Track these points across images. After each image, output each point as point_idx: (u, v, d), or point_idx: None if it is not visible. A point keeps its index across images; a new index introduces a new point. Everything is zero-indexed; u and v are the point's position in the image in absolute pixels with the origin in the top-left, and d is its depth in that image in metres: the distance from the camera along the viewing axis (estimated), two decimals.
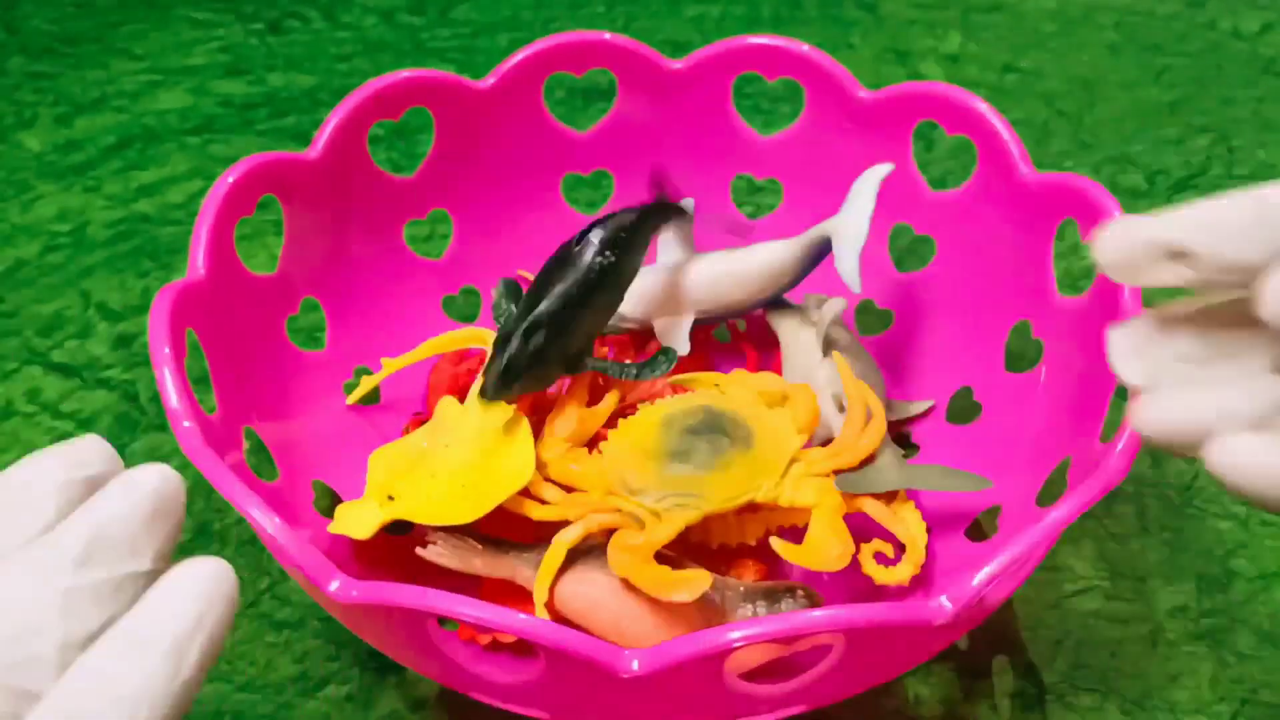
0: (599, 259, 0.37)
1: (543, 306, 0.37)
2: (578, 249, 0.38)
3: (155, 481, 0.21)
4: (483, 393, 0.37)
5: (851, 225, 0.42)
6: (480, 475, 0.37)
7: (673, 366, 0.39)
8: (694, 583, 0.33)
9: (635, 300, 0.45)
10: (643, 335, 0.46)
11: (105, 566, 0.20)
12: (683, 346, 0.44)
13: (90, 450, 0.23)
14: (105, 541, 0.20)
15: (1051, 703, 0.37)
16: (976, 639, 0.39)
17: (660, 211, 0.42)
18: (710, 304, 0.44)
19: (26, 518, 0.21)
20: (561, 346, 0.37)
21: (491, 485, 0.36)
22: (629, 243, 0.39)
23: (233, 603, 0.21)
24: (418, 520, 0.35)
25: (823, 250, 0.43)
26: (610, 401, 0.40)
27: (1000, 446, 0.40)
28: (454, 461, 0.37)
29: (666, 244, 0.46)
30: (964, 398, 0.43)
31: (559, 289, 0.37)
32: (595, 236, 0.38)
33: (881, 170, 0.42)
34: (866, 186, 0.42)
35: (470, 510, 0.35)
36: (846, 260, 0.42)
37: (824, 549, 0.34)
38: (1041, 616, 0.40)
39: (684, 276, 0.44)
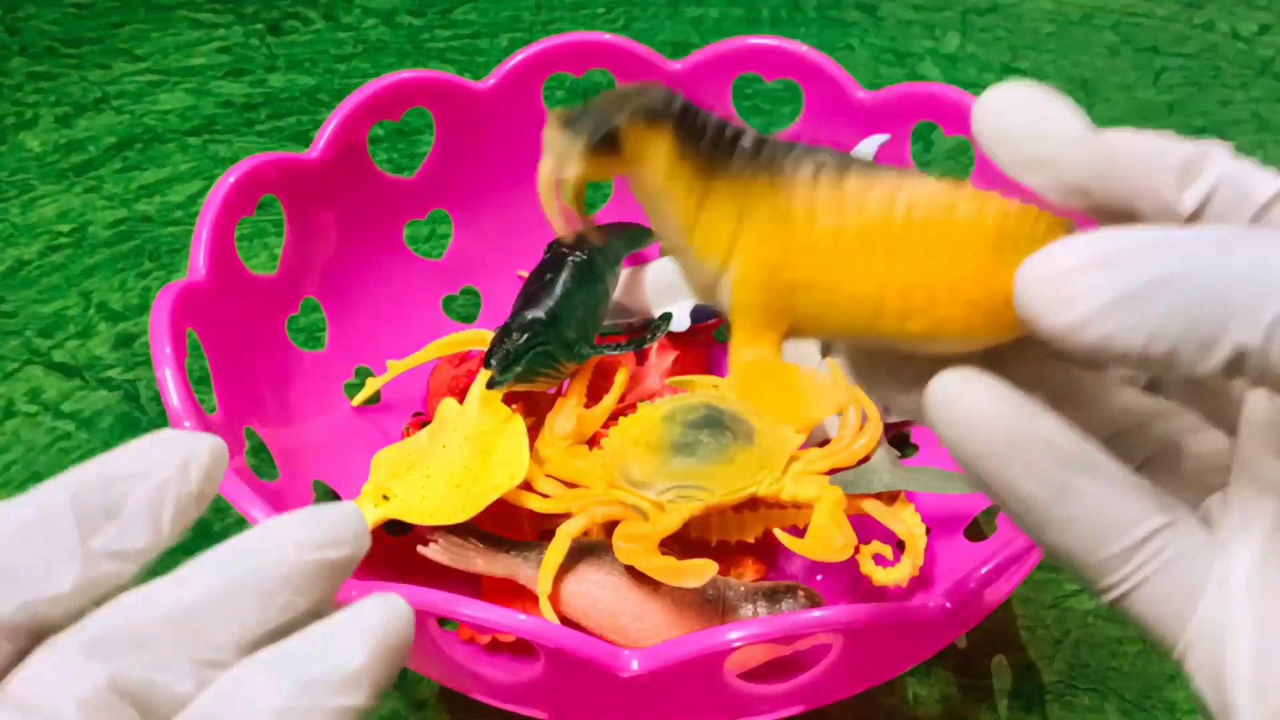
0: (572, 258, 0.41)
1: (536, 299, 0.39)
2: (552, 255, 0.42)
3: (383, 618, 0.18)
4: (489, 383, 0.38)
5: None
6: (474, 476, 0.37)
7: (667, 329, 0.42)
8: (701, 569, 0.33)
9: (637, 292, 0.45)
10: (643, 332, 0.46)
11: (325, 698, 0.17)
12: (681, 324, 0.44)
13: (343, 527, 0.19)
14: (325, 684, 0.17)
15: (1050, 703, 0.37)
16: (976, 639, 0.39)
17: (620, 225, 0.46)
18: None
19: (247, 608, 0.18)
20: (558, 333, 0.39)
21: (484, 486, 0.36)
22: (598, 246, 0.42)
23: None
24: (410, 520, 0.36)
25: None
26: (609, 401, 0.40)
27: None
28: (449, 462, 0.37)
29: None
30: None
31: (548, 283, 0.40)
32: (564, 244, 0.42)
33: (878, 139, 0.42)
34: (863, 154, 0.42)
35: (461, 510, 0.35)
36: None
37: (827, 539, 0.34)
38: (1041, 616, 0.40)
39: None
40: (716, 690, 0.31)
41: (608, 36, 0.46)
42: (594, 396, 0.41)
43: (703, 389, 0.40)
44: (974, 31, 0.65)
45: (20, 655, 0.17)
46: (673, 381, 0.41)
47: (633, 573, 0.35)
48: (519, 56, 0.45)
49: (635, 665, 0.28)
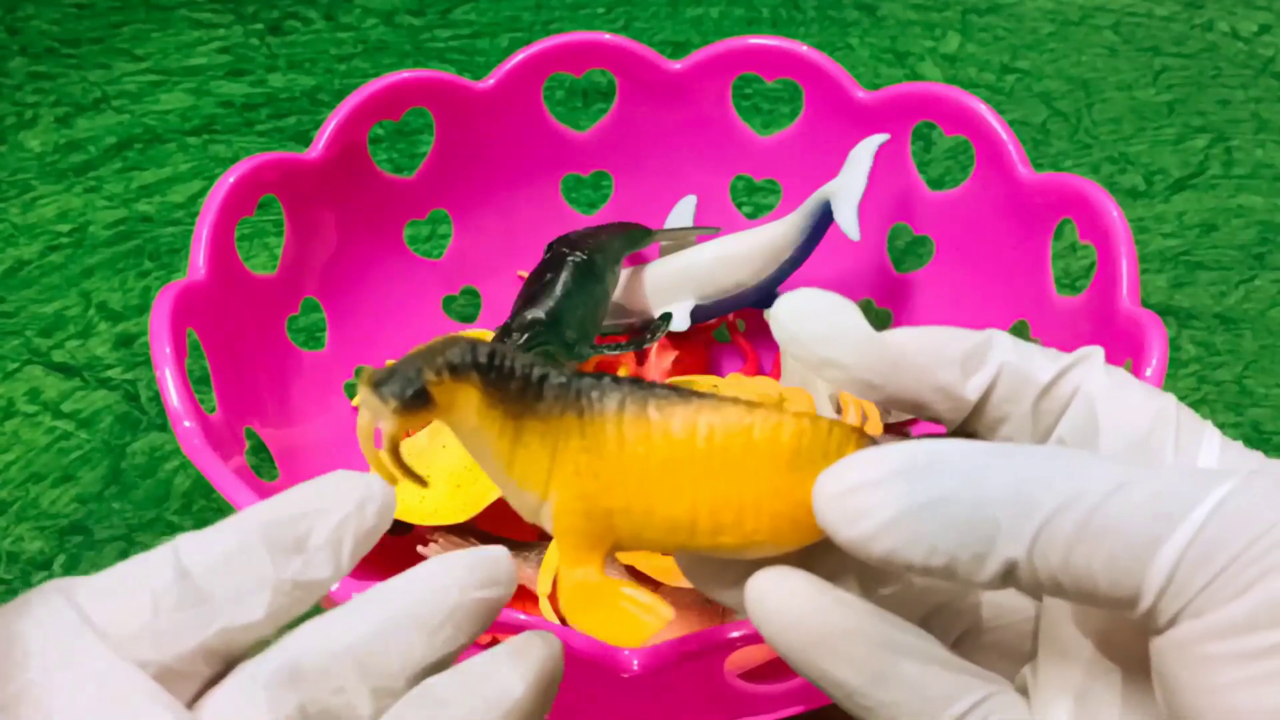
0: (572, 258, 0.41)
1: (536, 299, 0.40)
2: (552, 255, 0.42)
3: (541, 653, 0.20)
4: None
5: (849, 183, 0.42)
6: (474, 476, 0.37)
7: (667, 329, 0.42)
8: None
9: (637, 292, 0.45)
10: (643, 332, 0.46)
11: None
12: (681, 324, 0.44)
13: (499, 570, 0.21)
14: (490, 714, 0.19)
15: None
16: None
17: (620, 225, 0.46)
18: (712, 287, 0.44)
19: (416, 641, 0.19)
20: (558, 333, 0.39)
21: (484, 486, 0.36)
22: (596, 245, 0.42)
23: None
24: (411, 520, 0.36)
25: (823, 218, 0.43)
26: None
27: None
28: (449, 462, 0.37)
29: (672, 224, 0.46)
30: None
31: (547, 284, 0.40)
32: (565, 244, 0.42)
33: (878, 139, 0.42)
34: (863, 152, 0.42)
35: (461, 510, 0.35)
36: (844, 211, 0.41)
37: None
38: None
39: (684, 263, 0.44)
40: (716, 690, 0.31)
41: (608, 36, 0.46)
42: None
43: (703, 389, 0.40)
44: (974, 31, 0.65)
45: (213, 680, 0.18)
46: (672, 382, 0.41)
47: (632, 572, 0.35)
48: (519, 56, 0.45)
49: (635, 665, 0.28)
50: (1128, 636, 0.19)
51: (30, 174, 0.56)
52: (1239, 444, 0.20)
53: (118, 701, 0.17)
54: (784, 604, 0.19)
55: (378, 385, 0.19)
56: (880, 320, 0.47)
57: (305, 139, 0.42)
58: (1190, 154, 0.57)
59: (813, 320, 0.22)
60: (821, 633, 0.19)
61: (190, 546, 0.19)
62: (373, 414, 0.19)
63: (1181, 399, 0.47)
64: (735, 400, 0.20)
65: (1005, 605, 0.22)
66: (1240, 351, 0.49)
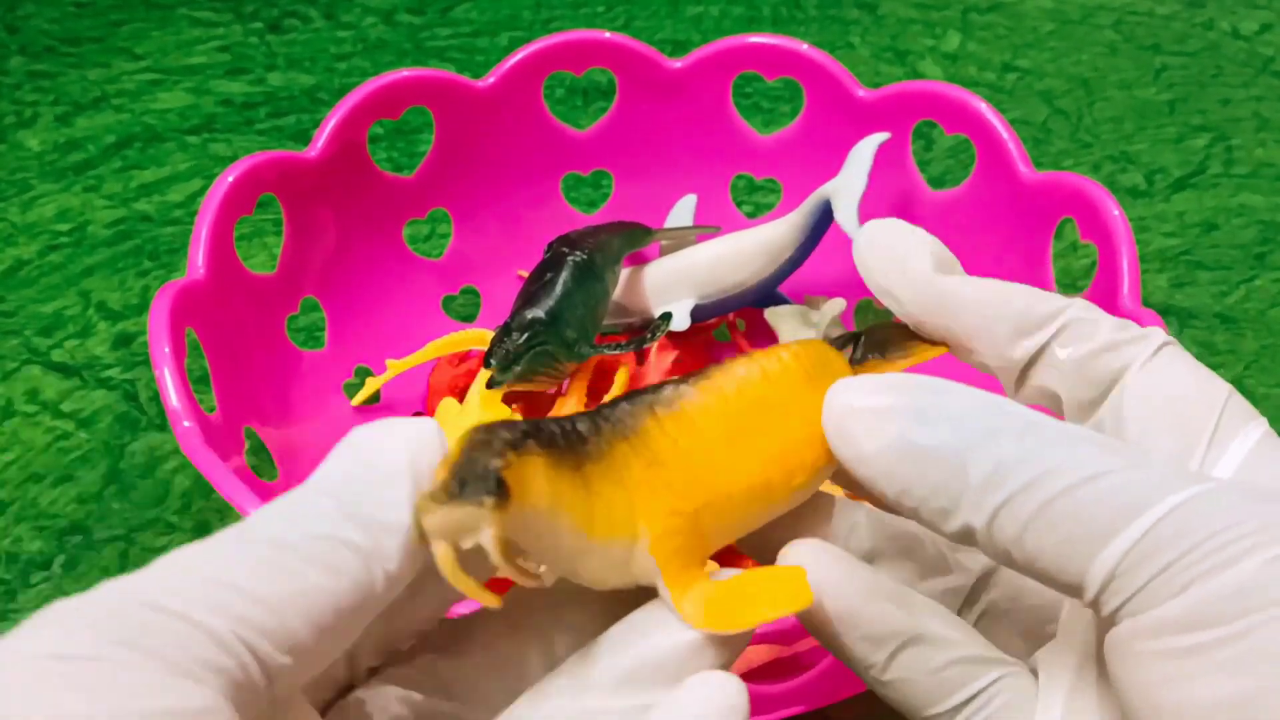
0: (572, 258, 0.41)
1: (536, 299, 0.40)
2: (552, 255, 0.42)
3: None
4: (489, 383, 0.38)
5: (849, 182, 0.42)
6: None
7: (667, 329, 0.42)
8: None
9: (637, 292, 0.45)
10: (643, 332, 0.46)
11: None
12: (681, 323, 0.44)
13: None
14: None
15: None
16: None
17: (620, 225, 0.46)
18: (712, 287, 0.44)
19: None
20: (558, 333, 0.39)
21: None
22: (596, 244, 0.42)
23: None
24: None
25: (823, 217, 0.42)
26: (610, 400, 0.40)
27: None
28: None
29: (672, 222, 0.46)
30: None
31: (547, 283, 0.40)
32: (565, 243, 0.42)
33: (878, 138, 0.42)
34: (864, 151, 0.42)
35: None
36: (845, 211, 0.41)
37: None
38: None
39: (684, 262, 0.44)
40: None
41: (608, 35, 0.46)
42: (594, 396, 0.41)
43: None
44: (974, 30, 0.65)
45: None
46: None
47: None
48: (519, 55, 0.45)
49: None
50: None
51: (29, 173, 0.56)
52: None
53: None
54: (817, 576, 0.20)
55: (457, 496, 0.16)
56: (881, 320, 0.47)
57: (305, 138, 0.42)
58: (1191, 153, 0.57)
59: (880, 251, 0.22)
60: (848, 607, 0.20)
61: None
62: (466, 529, 0.16)
63: None
64: (729, 361, 0.20)
65: (1029, 585, 0.22)
66: (1241, 351, 0.49)
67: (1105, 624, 0.17)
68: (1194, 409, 0.20)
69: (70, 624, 0.14)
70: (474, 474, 0.16)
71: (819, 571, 0.20)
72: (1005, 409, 0.18)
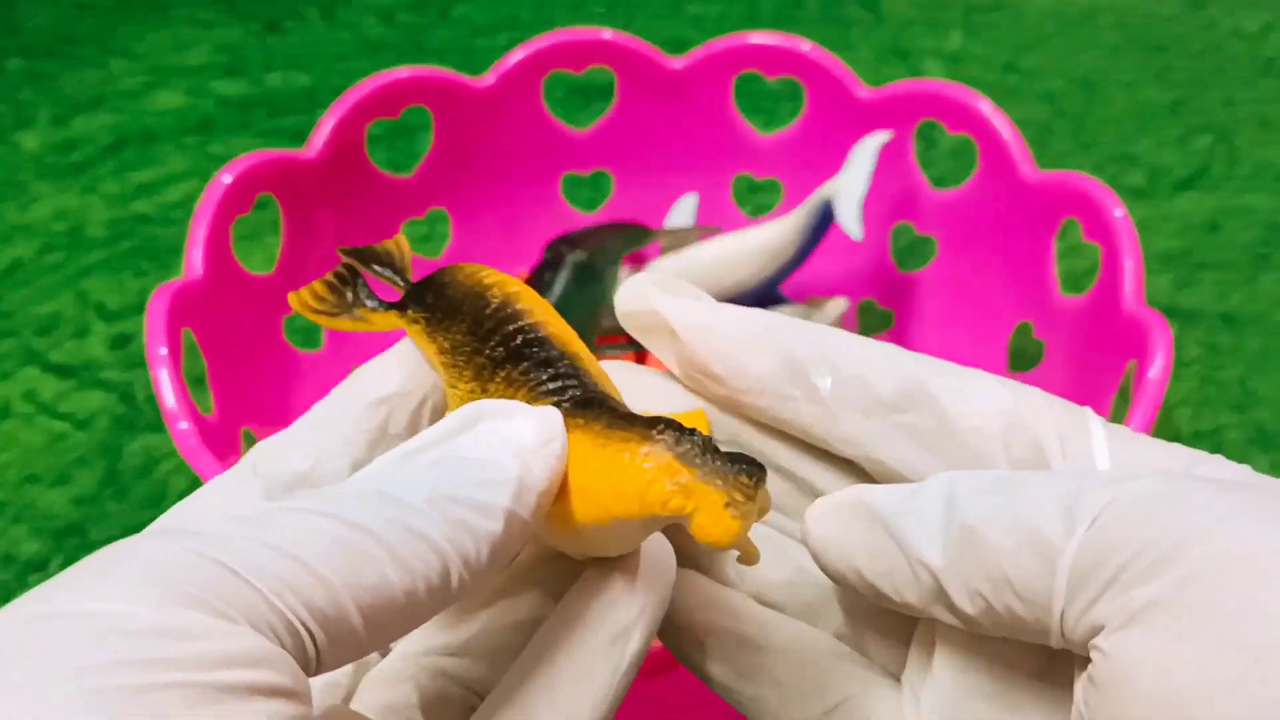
0: (572, 258, 0.41)
1: None
2: (552, 255, 0.42)
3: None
4: None
5: (851, 181, 0.41)
6: None
7: None
8: None
9: None
10: None
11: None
12: None
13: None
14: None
15: None
16: None
17: (620, 225, 0.46)
18: (713, 287, 0.44)
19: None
20: None
21: None
22: (596, 244, 0.42)
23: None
24: None
25: (824, 217, 0.42)
26: None
27: None
28: None
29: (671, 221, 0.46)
30: None
31: (547, 284, 0.40)
32: (565, 243, 0.42)
33: (880, 137, 0.42)
34: (865, 151, 0.42)
35: None
36: (846, 211, 0.41)
37: None
38: None
39: (685, 262, 0.44)
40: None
41: (608, 34, 0.45)
42: None
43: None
44: (977, 30, 0.64)
45: None
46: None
47: None
48: (518, 54, 0.45)
49: None
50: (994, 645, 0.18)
51: (27, 173, 0.56)
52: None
53: None
54: (679, 599, 0.19)
55: (762, 481, 0.17)
56: (882, 320, 0.47)
57: (303, 138, 0.42)
58: (1193, 153, 0.57)
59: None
60: (702, 628, 0.19)
61: None
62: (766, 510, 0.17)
63: (1184, 399, 0.47)
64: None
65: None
66: (1243, 352, 0.48)
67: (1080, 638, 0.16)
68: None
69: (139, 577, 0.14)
70: (708, 442, 0.17)
71: (685, 593, 0.20)
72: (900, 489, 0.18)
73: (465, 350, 0.21)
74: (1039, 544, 0.16)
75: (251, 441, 0.37)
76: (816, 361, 0.19)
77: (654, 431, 0.17)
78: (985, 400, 0.19)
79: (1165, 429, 0.46)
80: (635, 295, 0.22)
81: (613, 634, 0.18)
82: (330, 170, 0.42)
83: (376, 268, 0.23)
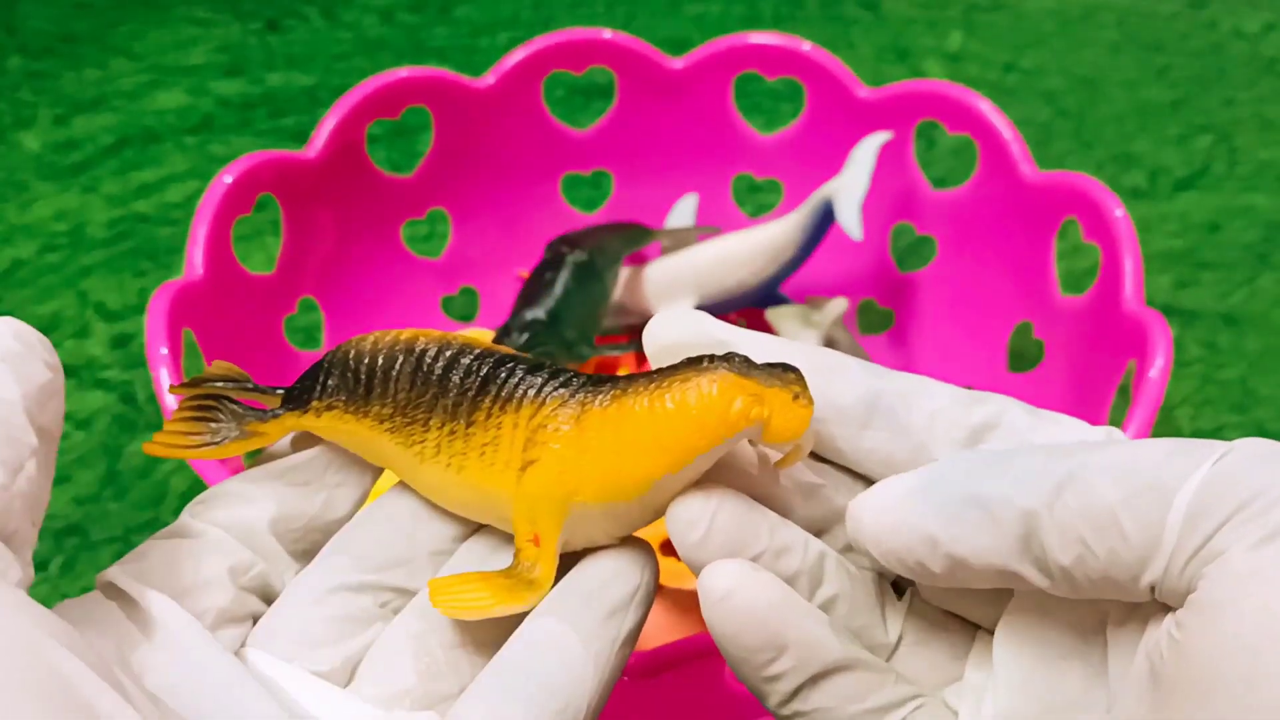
0: (572, 258, 0.41)
1: (536, 299, 0.40)
2: (552, 255, 0.42)
3: None
4: None
5: (851, 182, 0.41)
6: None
7: None
8: None
9: (637, 292, 0.44)
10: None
11: None
12: None
13: None
14: None
15: None
16: None
17: (620, 225, 0.46)
18: (713, 287, 0.44)
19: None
20: (558, 333, 0.39)
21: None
22: (596, 244, 0.42)
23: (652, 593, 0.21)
24: None
25: (825, 217, 0.42)
26: None
27: None
28: None
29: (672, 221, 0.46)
30: None
31: (547, 284, 0.40)
32: (565, 243, 0.42)
33: (880, 137, 0.42)
34: (865, 151, 0.42)
35: None
36: (847, 211, 0.41)
37: None
38: None
39: (685, 263, 0.44)
40: (717, 691, 0.31)
41: (608, 34, 0.45)
42: None
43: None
44: (977, 29, 0.64)
45: None
46: None
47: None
48: (518, 54, 0.45)
49: (635, 665, 0.28)
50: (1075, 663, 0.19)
51: (28, 173, 0.56)
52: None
53: None
54: (740, 601, 0.19)
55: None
56: (883, 320, 0.47)
57: (303, 138, 0.42)
58: (1194, 153, 0.57)
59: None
60: (774, 637, 0.19)
61: None
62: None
63: (1184, 399, 0.47)
64: (660, 381, 0.20)
65: (943, 619, 0.21)
66: (1244, 351, 0.48)
67: (1172, 591, 0.17)
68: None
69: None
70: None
71: (747, 595, 0.19)
72: (994, 455, 0.19)
73: (421, 404, 0.21)
74: (1153, 484, 0.17)
75: None
76: (900, 395, 0.20)
77: (703, 364, 0.19)
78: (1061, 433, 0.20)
79: (1166, 428, 0.46)
80: (685, 326, 0.22)
81: (611, 608, 0.20)
82: (330, 170, 0.42)
83: (220, 384, 0.23)
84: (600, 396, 0.20)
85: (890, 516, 0.19)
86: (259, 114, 0.59)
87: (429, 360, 0.21)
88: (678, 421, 0.19)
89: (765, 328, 0.46)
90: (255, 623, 0.21)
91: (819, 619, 0.20)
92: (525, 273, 0.44)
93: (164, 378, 0.33)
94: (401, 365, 0.21)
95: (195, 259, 0.37)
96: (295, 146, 0.42)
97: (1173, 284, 0.51)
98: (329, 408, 0.22)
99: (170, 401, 0.32)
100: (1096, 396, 0.36)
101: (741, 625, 0.19)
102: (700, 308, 0.44)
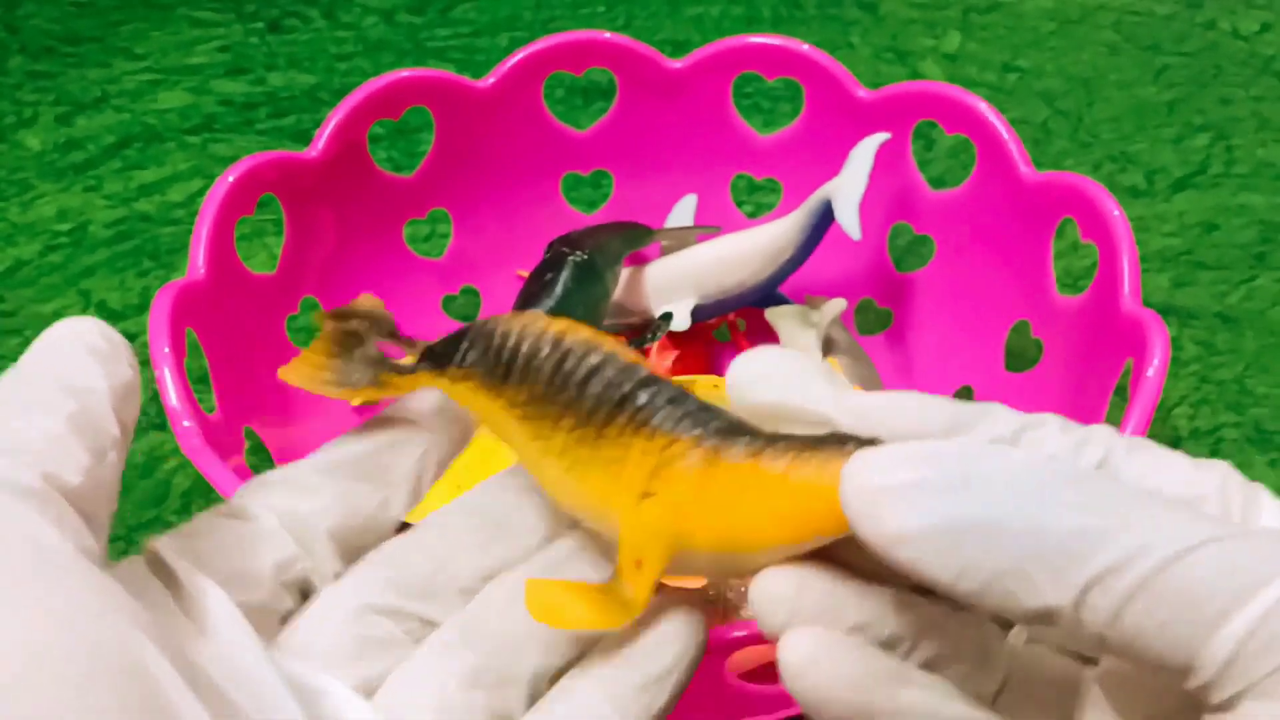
0: (572, 258, 0.41)
1: (536, 299, 0.40)
2: (552, 255, 0.42)
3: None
4: None
5: (849, 182, 0.42)
6: (474, 475, 0.37)
7: (668, 329, 0.42)
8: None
9: (637, 292, 0.45)
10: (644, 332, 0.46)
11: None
12: (682, 323, 0.43)
13: None
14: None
15: None
16: None
17: (620, 225, 0.46)
18: (713, 287, 0.44)
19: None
20: None
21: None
22: (596, 244, 0.42)
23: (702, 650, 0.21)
24: (412, 520, 0.35)
25: (824, 218, 0.42)
26: None
27: None
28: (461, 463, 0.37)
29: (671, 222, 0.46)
30: (964, 398, 0.43)
31: (547, 284, 0.40)
32: (565, 243, 0.42)
33: (878, 138, 0.42)
34: (864, 152, 0.42)
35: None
36: (845, 211, 0.41)
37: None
38: None
39: (685, 262, 0.44)
40: (717, 690, 0.31)
41: (608, 35, 0.46)
42: None
43: (703, 389, 0.40)
44: (975, 30, 0.64)
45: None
46: (674, 381, 0.41)
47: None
48: (519, 55, 0.45)
49: None
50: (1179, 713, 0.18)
51: (29, 173, 0.56)
52: None
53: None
54: (827, 672, 0.18)
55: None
56: (881, 320, 0.47)
57: (305, 138, 0.42)
58: (1191, 153, 0.57)
59: (766, 390, 0.21)
60: (858, 704, 0.18)
61: None
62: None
63: (1182, 399, 0.47)
64: (783, 444, 0.19)
65: (1045, 657, 0.20)
66: (1241, 351, 0.49)
67: (1211, 708, 0.16)
68: (1197, 488, 0.18)
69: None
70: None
71: (834, 666, 0.18)
72: (1056, 466, 0.17)
73: (556, 401, 0.21)
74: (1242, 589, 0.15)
75: (253, 440, 0.38)
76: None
77: (848, 445, 0.18)
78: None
79: (1163, 428, 0.46)
80: (778, 389, 0.21)
81: (645, 679, 0.20)
82: (332, 170, 0.42)
83: (366, 323, 0.23)
84: (735, 449, 0.19)
85: (931, 542, 0.17)
86: (261, 114, 0.59)
87: (573, 361, 0.21)
88: (812, 501, 0.18)
89: (765, 327, 0.46)
90: (282, 619, 0.21)
91: (919, 682, 0.18)
92: (525, 273, 0.44)
93: (166, 377, 0.33)
94: (546, 357, 0.21)
95: (198, 259, 0.37)
96: (297, 146, 0.42)
97: (1170, 283, 0.51)
98: (465, 377, 0.22)
99: (173, 400, 0.32)
100: (1094, 396, 0.36)
101: (824, 699, 0.18)
102: (700, 307, 0.44)
